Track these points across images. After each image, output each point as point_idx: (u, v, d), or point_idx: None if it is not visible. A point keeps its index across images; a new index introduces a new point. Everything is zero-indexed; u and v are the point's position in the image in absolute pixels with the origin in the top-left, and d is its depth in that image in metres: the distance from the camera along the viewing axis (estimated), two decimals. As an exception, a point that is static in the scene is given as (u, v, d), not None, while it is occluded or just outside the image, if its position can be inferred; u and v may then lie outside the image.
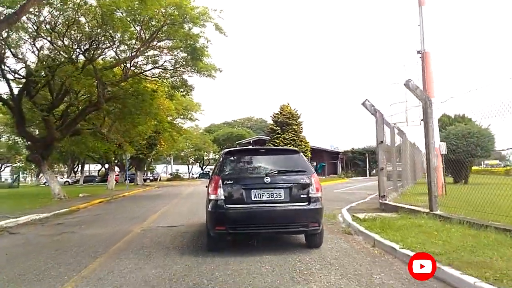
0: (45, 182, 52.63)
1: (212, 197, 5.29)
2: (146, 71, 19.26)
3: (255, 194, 5.27)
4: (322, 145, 47.60)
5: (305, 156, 31.57)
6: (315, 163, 43.77)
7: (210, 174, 6.61)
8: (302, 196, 5.39)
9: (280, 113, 35.33)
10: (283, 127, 34.48)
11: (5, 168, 56.79)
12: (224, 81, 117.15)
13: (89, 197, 18.43)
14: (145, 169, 62.09)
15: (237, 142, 53.88)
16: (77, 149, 21.19)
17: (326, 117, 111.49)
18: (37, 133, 22.43)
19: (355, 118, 70.69)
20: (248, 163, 5.88)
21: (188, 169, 69.16)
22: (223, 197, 5.23)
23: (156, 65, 19.07)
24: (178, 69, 19.35)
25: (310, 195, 5.39)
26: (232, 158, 5.93)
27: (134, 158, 36.28)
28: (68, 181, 51.53)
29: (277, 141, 34.09)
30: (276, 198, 5.30)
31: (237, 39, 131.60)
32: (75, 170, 56.52)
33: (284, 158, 6.05)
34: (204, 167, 64.86)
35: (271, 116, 36.04)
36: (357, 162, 46.37)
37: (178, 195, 19.44)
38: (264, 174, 5.43)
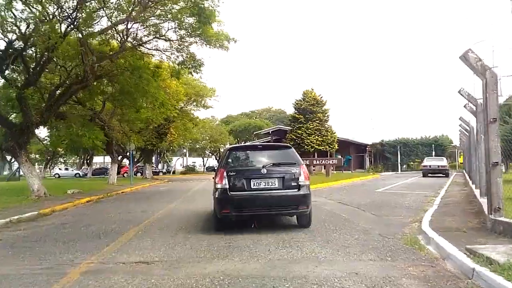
0: (55, 174, 51.32)
1: (219, 186, 6.27)
2: (146, 42, 15.93)
3: (254, 183, 6.24)
4: (344, 136, 43.16)
5: (332, 148, 28.15)
6: (339, 156, 39.79)
7: (216, 167, 7.70)
8: (293, 184, 6.31)
9: (303, 99, 31.32)
10: (307, 115, 30.55)
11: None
12: (241, 69, 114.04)
13: (78, 194, 15.42)
14: (160, 161, 59.65)
15: (255, 133, 50.42)
16: (58, 136, 18.07)
17: (350, 107, 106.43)
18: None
19: (381, 108, 65.72)
20: (248, 157, 6.89)
21: (203, 161, 66.40)
22: (227, 186, 6.19)
23: (158, 35, 15.72)
24: (184, 38, 15.96)
25: (299, 183, 6.31)
26: (234, 153, 6.99)
27: (142, 149, 33.44)
28: (78, 173, 49.68)
29: (299, 131, 30.25)
30: (271, 186, 6.27)
31: (254, 22, 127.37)
32: (88, 161, 54.37)
33: (278, 153, 7.00)
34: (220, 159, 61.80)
35: (292, 103, 32.18)
36: (387, 156, 42.02)
37: (184, 193, 16.17)
38: (261, 166, 6.41)
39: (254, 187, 6.19)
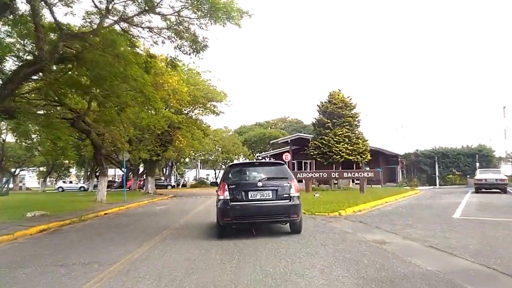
0: (59, 188, 48.11)
1: (221, 197, 7.22)
2: (132, 17, 12.04)
3: (251, 195, 7.19)
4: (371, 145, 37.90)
5: (364, 158, 23.43)
6: (368, 168, 34.90)
7: (218, 182, 9.03)
8: (284, 195, 7.26)
9: (329, 101, 26.71)
10: (334, 120, 25.99)
11: (19, 171, 51.96)
12: (255, 78, 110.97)
13: (39, 219, 11.48)
14: (172, 173, 55.84)
15: (271, 142, 46.11)
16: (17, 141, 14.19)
17: (374, 114, 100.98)
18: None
19: (409, 115, 60.31)
20: (246, 172, 7.98)
21: (215, 174, 62.52)
22: (228, 197, 7.12)
23: (148, 8, 11.81)
24: (182, 12, 12.01)
25: (290, 194, 7.27)
26: (234, 169, 8.18)
27: (146, 160, 29.61)
28: (83, 187, 46.56)
29: (327, 137, 25.66)
30: (266, 197, 7.21)
31: (269, 26, 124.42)
32: (97, 174, 51.06)
33: (272, 168, 8.12)
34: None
35: (317, 105, 27.62)
36: (423, 168, 36.78)
37: (179, 218, 11.88)
38: (258, 180, 7.42)
39: (251, 198, 7.17)
